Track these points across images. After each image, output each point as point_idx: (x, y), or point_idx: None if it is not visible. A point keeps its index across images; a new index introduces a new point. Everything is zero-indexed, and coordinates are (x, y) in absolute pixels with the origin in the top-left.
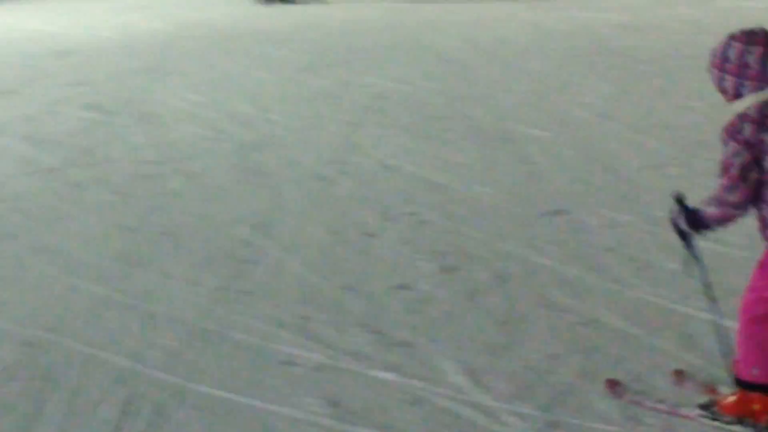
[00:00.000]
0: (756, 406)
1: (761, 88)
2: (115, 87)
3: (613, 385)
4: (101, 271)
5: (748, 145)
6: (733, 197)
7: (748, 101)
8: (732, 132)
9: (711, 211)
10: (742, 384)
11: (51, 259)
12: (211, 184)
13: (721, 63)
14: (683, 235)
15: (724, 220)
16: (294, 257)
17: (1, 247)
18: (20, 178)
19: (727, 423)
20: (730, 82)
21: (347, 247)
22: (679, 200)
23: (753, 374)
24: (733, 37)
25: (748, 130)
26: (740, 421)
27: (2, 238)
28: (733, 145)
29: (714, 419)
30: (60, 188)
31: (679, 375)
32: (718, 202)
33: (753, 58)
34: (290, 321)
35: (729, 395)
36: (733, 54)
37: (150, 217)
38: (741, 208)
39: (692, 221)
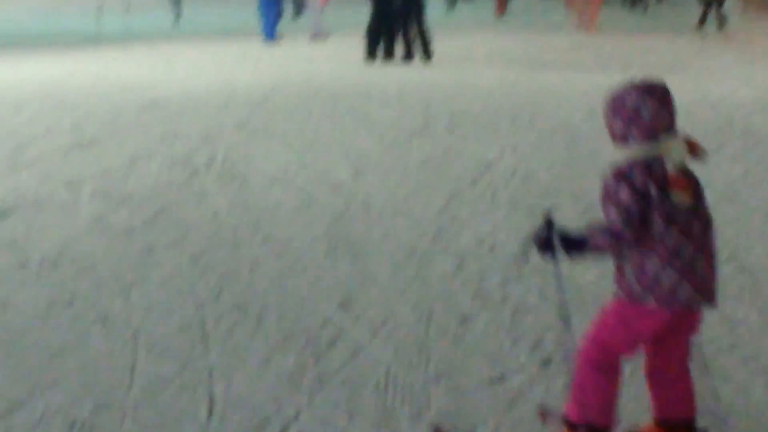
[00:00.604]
0: None
1: (647, 139)
2: (202, 144)
3: (544, 414)
4: (165, 345)
5: (640, 195)
6: (628, 233)
7: (634, 151)
8: (624, 177)
9: (599, 240)
10: (570, 425)
11: (112, 330)
12: (295, 254)
13: (616, 107)
14: (549, 252)
15: (607, 252)
16: (378, 341)
17: (60, 314)
18: (89, 239)
19: None
20: (619, 126)
21: (438, 332)
22: (548, 221)
23: (586, 416)
24: (633, 86)
25: (638, 180)
26: None
27: (63, 303)
28: (627, 187)
29: None
30: (131, 252)
31: (544, 414)
32: (611, 234)
33: (646, 109)
34: (368, 412)
35: None
36: (629, 101)
37: (224, 288)
38: (631, 245)
39: (569, 244)
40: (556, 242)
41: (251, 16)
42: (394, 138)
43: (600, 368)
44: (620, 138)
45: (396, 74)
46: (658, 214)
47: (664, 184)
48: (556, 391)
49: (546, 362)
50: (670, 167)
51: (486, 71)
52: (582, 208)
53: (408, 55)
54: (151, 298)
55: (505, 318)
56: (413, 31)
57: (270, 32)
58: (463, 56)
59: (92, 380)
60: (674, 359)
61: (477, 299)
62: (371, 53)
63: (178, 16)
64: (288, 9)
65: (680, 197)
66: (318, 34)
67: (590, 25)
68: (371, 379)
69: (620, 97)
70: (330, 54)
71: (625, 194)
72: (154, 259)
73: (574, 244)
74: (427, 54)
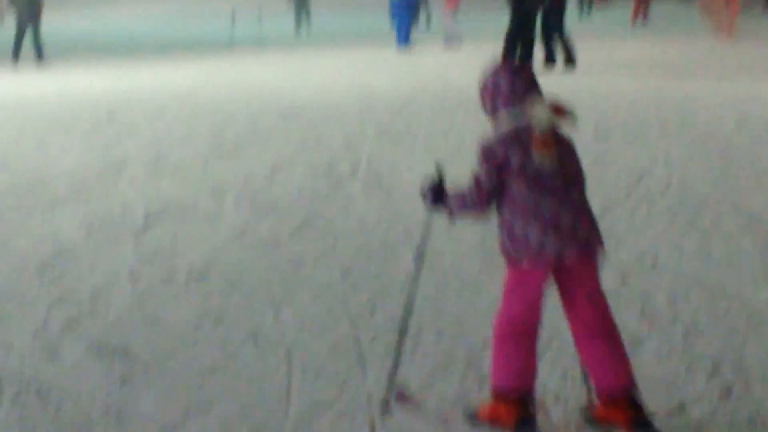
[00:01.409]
0: (503, 412)
1: (511, 105)
2: (345, 152)
3: (402, 396)
4: (320, 366)
5: (499, 166)
6: (476, 207)
7: (503, 120)
8: (487, 154)
9: (456, 206)
10: (493, 392)
11: (264, 349)
12: (449, 270)
13: (483, 88)
14: (428, 200)
15: (461, 216)
16: (544, 363)
17: (210, 331)
18: (235, 250)
19: (475, 422)
20: (488, 103)
21: None
22: (439, 175)
23: (502, 385)
24: (490, 69)
25: (500, 153)
26: (494, 424)
27: (212, 319)
28: (486, 167)
29: (474, 424)
30: (278, 264)
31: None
32: (463, 203)
33: (503, 81)
34: None
35: (486, 402)
36: (489, 80)
37: (378, 305)
38: (479, 214)
39: (436, 197)
40: (430, 191)
41: (382, 22)
42: None
43: (508, 338)
44: (492, 112)
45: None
46: (521, 179)
47: (530, 149)
48: (741, 423)
49: (727, 391)
50: (536, 130)
51: (628, 78)
52: (745, 221)
53: (549, 61)
54: (302, 314)
55: (677, 340)
56: (555, 37)
57: (404, 38)
58: (602, 63)
59: (246, 403)
60: (590, 316)
61: (643, 321)
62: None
63: (301, 22)
64: (422, 16)
65: (542, 157)
66: (451, 40)
67: (729, 31)
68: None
69: (483, 80)
70: (466, 60)
71: (482, 169)
72: (303, 272)
73: (440, 198)
74: (572, 61)
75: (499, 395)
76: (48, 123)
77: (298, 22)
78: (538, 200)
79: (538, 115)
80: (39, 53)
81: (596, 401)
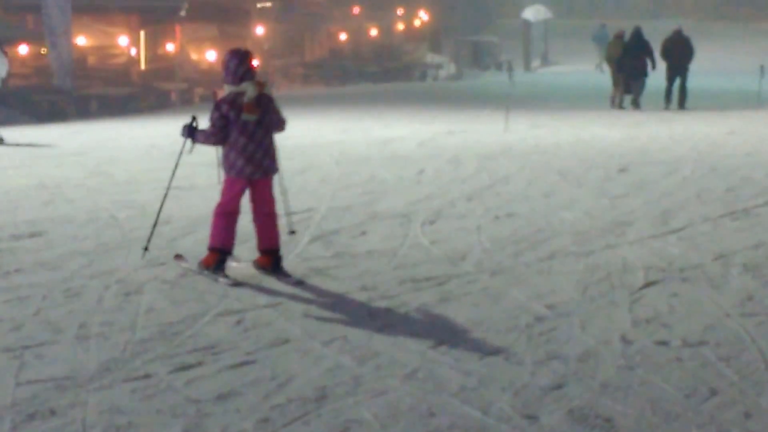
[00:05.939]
0: (211, 260)
1: (235, 82)
2: None
3: (178, 257)
4: None
5: (223, 117)
6: (212, 140)
7: (229, 90)
8: (216, 107)
9: (201, 138)
10: (209, 248)
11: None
12: None
13: (222, 63)
14: (185, 136)
15: (204, 144)
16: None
17: (696, 405)
18: (736, 320)
19: (201, 270)
20: (224, 75)
21: None
22: (193, 119)
23: (214, 244)
24: (228, 51)
25: (224, 108)
26: (206, 269)
27: (703, 393)
28: (216, 115)
29: (198, 269)
30: None
31: (179, 258)
32: (205, 137)
33: (232, 63)
34: None
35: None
36: (225, 59)
37: None
38: (215, 144)
39: (191, 134)
40: (187, 132)
41: None
42: None
43: (221, 216)
44: (225, 82)
45: None
46: (235, 128)
47: (241, 109)
48: None
49: None
50: (245, 99)
51: None
52: None
53: None
54: None
55: None
56: None
57: None
58: None
59: None
60: (262, 208)
61: None
62: None
63: None
64: None
65: (248, 117)
66: None
67: None
68: None
69: (224, 57)
70: None
71: (214, 116)
72: None
73: (193, 134)
74: None
75: (211, 250)
76: (558, 173)
77: None
78: (245, 143)
79: (249, 90)
80: (682, 102)
81: (258, 255)
